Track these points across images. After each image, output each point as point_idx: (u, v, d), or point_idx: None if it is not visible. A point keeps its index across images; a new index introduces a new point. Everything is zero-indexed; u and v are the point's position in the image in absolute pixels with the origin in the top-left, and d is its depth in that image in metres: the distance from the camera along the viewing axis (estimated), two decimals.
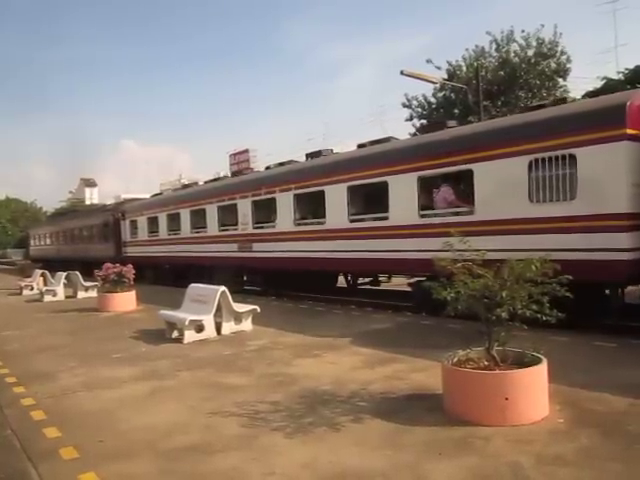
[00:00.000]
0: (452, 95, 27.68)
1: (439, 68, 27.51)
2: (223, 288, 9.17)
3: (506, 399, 4.35)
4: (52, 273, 18.95)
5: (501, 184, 8.99)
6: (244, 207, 15.67)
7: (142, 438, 4.58)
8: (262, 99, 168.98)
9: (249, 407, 5.17)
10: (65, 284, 17.34)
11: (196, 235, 18.33)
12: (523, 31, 26.37)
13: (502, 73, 26.01)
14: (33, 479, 3.99)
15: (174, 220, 19.78)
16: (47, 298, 16.60)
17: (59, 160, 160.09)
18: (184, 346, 8.44)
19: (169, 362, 7.38)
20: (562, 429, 4.27)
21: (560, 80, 26.42)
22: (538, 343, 4.88)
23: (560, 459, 3.74)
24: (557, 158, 8.17)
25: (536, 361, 4.63)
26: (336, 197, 12.33)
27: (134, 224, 23.17)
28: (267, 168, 16.84)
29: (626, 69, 21.38)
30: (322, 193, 12.74)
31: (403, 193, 10.79)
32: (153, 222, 21.43)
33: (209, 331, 8.93)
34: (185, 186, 23.21)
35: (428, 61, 27.48)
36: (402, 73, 19.54)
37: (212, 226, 17.29)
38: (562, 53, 26.01)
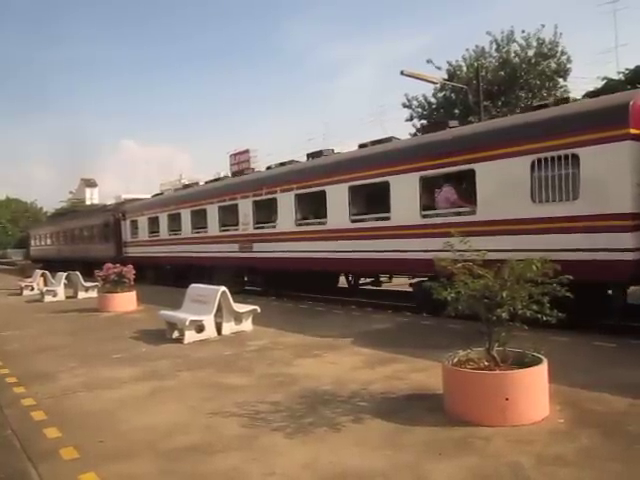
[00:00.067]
0: (452, 95, 27.67)
1: (439, 68, 27.54)
2: (223, 288, 9.18)
3: (506, 399, 4.35)
4: (52, 273, 18.96)
5: (503, 184, 8.98)
6: (245, 207, 15.67)
7: (142, 438, 4.58)
8: (262, 99, 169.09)
9: (249, 407, 5.17)
10: (65, 284, 17.35)
11: (197, 235, 18.33)
12: (523, 31, 26.40)
13: (502, 73, 26.00)
14: (33, 479, 3.99)
15: (175, 220, 19.79)
16: (47, 298, 16.60)
17: (59, 160, 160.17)
18: (184, 346, 8.44)
19: (169, 362, 7.38)
20: (562, 429, 4.27)
21: (560, 80, 26.41)
22: (538, 343, 4.88)
23: (560, 459, 3.74)
24: (560, 158, 8.16)
25: (536, 361, 4.63)
26: (337, 197, 12.32)
27: (135, 224, 23.18)
28: (268, 168, 16.84)
29: (626, 69, 21.41)
30: (323, 193, 12.73)
31: (405, 193, 10.78)
32: (154, 222, 21.44)
33: (209, 331, 8.93)
34: (186, 186, 23.20)
35: (428, 61, 27.50)
36: (402, 73, 19.55)
37: (213, 226, 17.29)
38: (562, 53, 26.01)
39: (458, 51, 36.43)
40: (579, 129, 8.01)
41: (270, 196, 14.62)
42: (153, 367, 7.13)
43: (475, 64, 25.29)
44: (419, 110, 29.11)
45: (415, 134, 26.53)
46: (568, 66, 26.11)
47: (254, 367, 6.86)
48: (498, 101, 26.37)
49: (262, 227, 15.16)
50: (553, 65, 25.86)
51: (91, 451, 4.36)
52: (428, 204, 10.52)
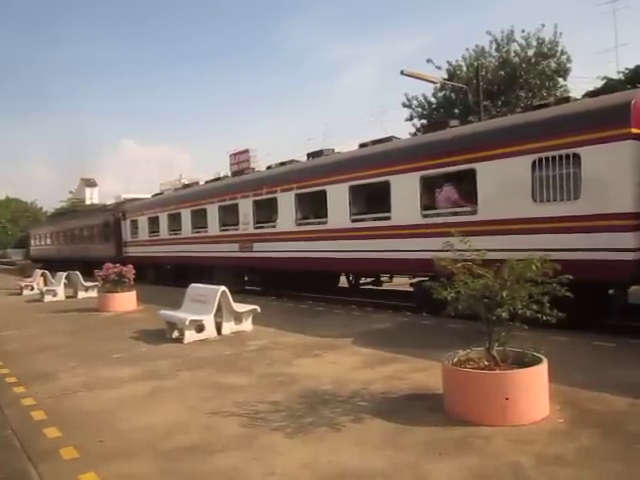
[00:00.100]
0: (452, 95, 27.69)
1: (439, 68, 27.56)
2: (223, 288, 9.18)
3: (506, 399, 4.35)
4: (52, 273, 18.97)
5: (504, 184, 8.97)
6: (245, 207, 15.67)
7: (142, 438, 4.58)
8: (262, 99, 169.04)
9: (249, 407, 5.17)
10: (65, 284, 17.35)
11: (197, 235, 18.33)
12: (523, 31, 26.43)
13: (502, 73, 26.01)
14: (33, 479, 3.99)
15: (175, 220, 19.78)
16: (47, 298, 16.61)
17: (59, 160, 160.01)
18: (184, 346, 8.44)
19: (169, 362, 7.38)
20: (562, 429, 4.27)
21: (560, 80, 26.44)
22: (538, 343, 4.87)
23: (560, 459, 3.74)
24: (561, 157, 8.15)
25: (536, 361, 4.63)
26: (338, 197, 12.32)
27: (135, 224, 23.18)
28: (268, 168, 16.83)
29: (626, 69, 21.44)
30: (324, 193, 12.73)
31: (405, 193, 10.77)
32: (154, 222, 21.43)
33: (209, 331, 8.94)
34: (186, 186, 23.19)
35: (428, 61, 27.53)
36: (402, 73, 19.54)
37: (213, 226, 17.29)
38: (562, 53, 26.04)
39: (458, 51, 36.44)
40: (580, 129, 8.00)
41: (270, 196, 14.62)
42: (153, 367, 7.13)
43: (475, 64, 25.30)
44: (419, 110, 29.13)
45: (415, 134, 26.54)
46: (568, 66, 26.15)
47: (254, 367, 6.86)
48: (498, 101, 26.38)
49: (262, 227, 15.16)
50: (553, 65, 25.88)
51: (91, 451, 4.36)
52: (429, 204, 10.51)
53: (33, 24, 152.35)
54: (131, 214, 23.73)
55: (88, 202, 64.66)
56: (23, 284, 19.73)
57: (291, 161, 15.75)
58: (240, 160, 43.75)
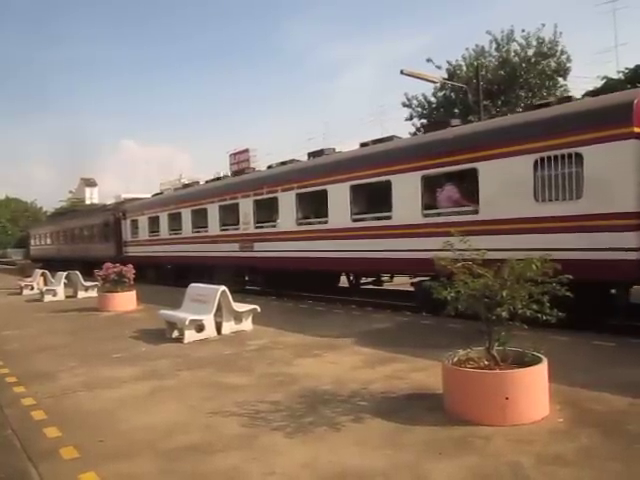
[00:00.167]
0: (452, 95, 27.69)
1: (439, 67, 27.56)
2: (223, 288, 9.18)
3: (506, 399, 4.35)
4: (52, 273, 18.97)
5: (506, 183, 8.95)
6: (246, 207, 15.66)
7: (142, 438, 4.58)
8: (262, 99, 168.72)
9: (249, 407, 5.17)
10: (65, 284, 17.35)
11: (197, 235, 18.33)
12: (523, 31, 26.43)
13: (502, 72, 26.01)
14: (33, 479, 3.99)
15: (175, 220, 19.79)
16: (47, 298, 16.60)
17: (59, 160, 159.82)
18: (184, 346, 8.44)
19: (169, 362, 7.39)
20: (562, 429, 4.27)
21: (560, 79, 26.44)
22: (538, 343, 4.88)
23: (560, 459, 3.74)
24: (563, 157, 8.14)
25: (536, 361, 4.63)
26: (339, 196, 12.31)
27: (135, 224, 23.18)
28: (269, 167, 16.83)
29: (626, 68, 21.43)
30: (324, 192, 12.72)
31: (406, 192, 10.76)
32: (154, 222, 21.44)
33: (209, 331, 8.93)
34: (186, 185, 23.20)
35: (428, 60, 27.52)
36: (402, 72, 19.53)
37: (213, 226, 17.29)
38: (562, 52, 26.04)
39: (458, 51, 36.36)
40: (582, 128, 7.98)
41: (271, 195, 14.61)
42: (153, 366, 7.13)
43: (475, 63, 25.30)
44: (419, 109, 29.14)
45: (415, 133, 26.55)
46: (568, 65, 26.16)
47: (254, 366, 6.86)
48: (498, 100, 26.38)
49: (263, 226, 15.16)
50: (553, 64, 25.88)
51: (91, 450, 4.36)
52: (430, 203, 10.49)
53: (33, 24, 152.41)
54: (131, 214, 23.73)
55: (88, 202, 64.64)
56: (23, 284, 19.72)
57: (292, 161, 15.74)
58: (240, 160, 43.77)
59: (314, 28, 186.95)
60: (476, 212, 9.47)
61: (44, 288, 17.54)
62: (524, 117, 9.64)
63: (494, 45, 26.95)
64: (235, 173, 21.68)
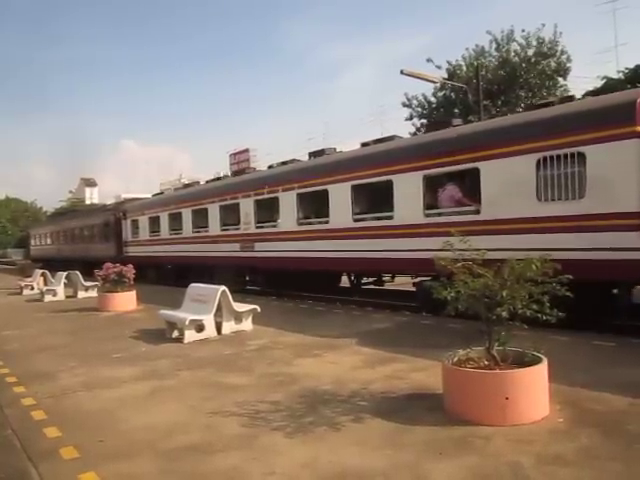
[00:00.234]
0: (452, 94, 27.70)
1: (439, 67, 27.58)
2: (223, 288, 9.18)
3: (506, 399, 4.35)
4: (52, 273, 18.97)
5: (508, 183, 8.93)
6: (246, 206, 15.66)
7: (142, 438, 4.58)
8: (262, 99, 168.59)
9: (249, 407, 5.17)
10: (65, 284, 17.35)
11: (198, 235, 18.32)
12: (523, 30, 26.46)
13: (502, 72, 26.03)
14: (33, 479, 3.99)
15: (176, 220, 19.79)
16: (47, 298, 16.61)
17: (59, 160, 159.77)
18: (184, 346, 8.44)
19: (169, 362, 7.39)
20: (562, 429, 4.27)
21: (560, 79, 26.45)
22: (538, 342, 4.87)
23: (560, 459, 3.74)
24: (565, 156, 8.12)
25: (536, 360, 4.63)
26: (340, 196, 12.29)
27: (135, 224, 23.18)
28: (270, 167, 16.82)
29: (626, 68, 21.44)
30: (325, 192, 12.70)
31: (408, 192, 10.73)
32: (154, 222, 21.43)
33: (209, 331, 8.93)
34: (187, 185, 23.22)
35: (428, 60, 27.54)
36: (402, 72, 19.54)
37: (214, 226, 17.28)
38: (562, 52, 26.06)
39: (458, 51, 36.39)
40: (585, 127, 7.96)
41: (272, 195, 14.60)
42: (153, 366, 7.13)
43: (475, 63, 25.32)
44: (419, 109, 29.16)
45: (415, 133, 26.55)
46: (568, 65, 26.19)
47: (254, 366, 6.86)
48: (498, 100, 26.40)
49: (264, 226, 15.15)
50: (553, 64, 25.89)
51: (91, 450, 4.36)
52: (431, 203, 10.47)
53: (33, 24, 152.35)
54: (131, 214, 23.73)
55: (88, 202, 64.63)
56: (23, 284, 19.73)
57: (292, 160, 15.73)
58: (240, 160, 43.78)
59: (314, 28, 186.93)
60: (478, 212, 9.45)
61: (44, 288, 17.55)
62: (526, 117, 9.62)
63: (494, 45, 26.99)
64: (235, 173, 21.68)
